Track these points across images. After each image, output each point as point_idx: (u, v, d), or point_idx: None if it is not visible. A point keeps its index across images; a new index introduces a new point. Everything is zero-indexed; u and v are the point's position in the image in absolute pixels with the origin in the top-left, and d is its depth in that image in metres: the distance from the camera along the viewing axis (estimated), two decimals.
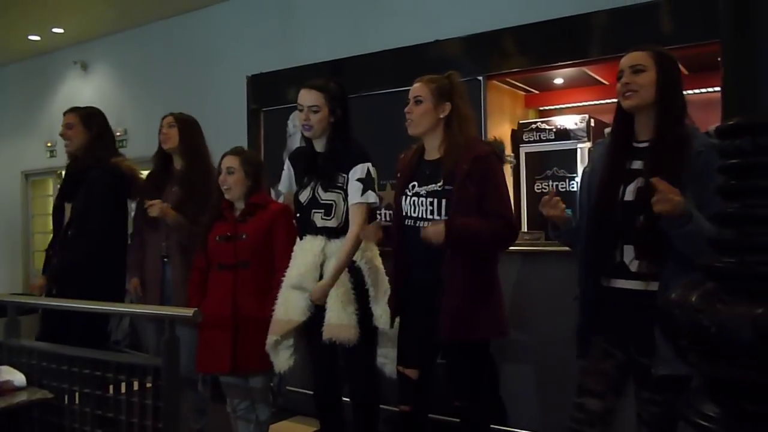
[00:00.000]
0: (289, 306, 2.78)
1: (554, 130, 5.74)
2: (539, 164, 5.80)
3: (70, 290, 3.25)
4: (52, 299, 3.24)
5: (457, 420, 2.73)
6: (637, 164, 2.19)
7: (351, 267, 2.74)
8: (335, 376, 2.89)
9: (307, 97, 2.79)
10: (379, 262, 2.83)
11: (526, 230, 5.14)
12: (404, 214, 2.69)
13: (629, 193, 2.17)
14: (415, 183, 2.69)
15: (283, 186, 3.03)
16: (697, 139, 2.12)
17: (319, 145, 2.86)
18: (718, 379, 1.13)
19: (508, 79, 5.63)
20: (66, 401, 2.67)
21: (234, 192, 3.02)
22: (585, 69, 5.28)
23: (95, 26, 8.14)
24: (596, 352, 2.27)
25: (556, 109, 6.28)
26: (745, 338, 1.01)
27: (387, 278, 2.81)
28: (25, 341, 2.92)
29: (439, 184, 2.63)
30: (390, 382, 2.79)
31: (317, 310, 2.74)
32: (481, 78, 5.06)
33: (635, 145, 2.23)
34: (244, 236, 2.97)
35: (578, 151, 5.62)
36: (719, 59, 1.43)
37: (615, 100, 2.31)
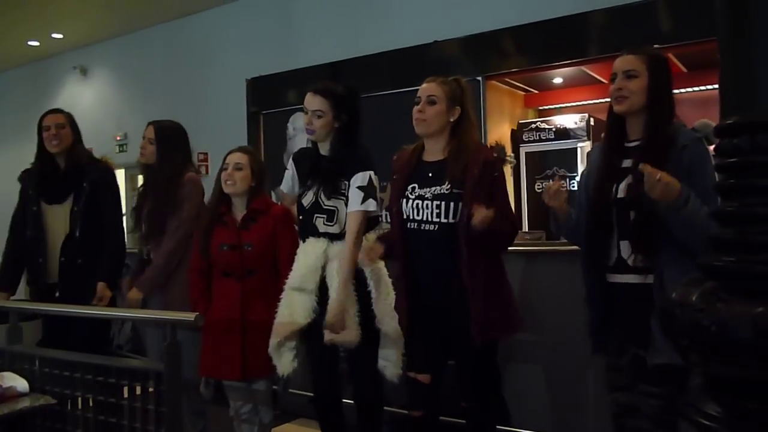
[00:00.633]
0: (293, 308, 2.77)
1: (554, 129, 5.75)
2: (539, 164, 5.80)
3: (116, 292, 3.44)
4: (53, 305, 3.23)
5: (463, 421, 2.73)
6: (627, 163, 2.28)
7: None
8: (336, 379, 2.89)
9: (312, 101, 2.79)
10: (381, 264, 2.82)
11: (526, 230, 5.15)
12: (406, 217, 2.68)
13: (622, 191, 2.26)
14: (415, 185, 2.67)
15: (285, 186, 3.01)
16: (683, 135, 2.22)
17: (324, 149, 2.85)
18: (719, 378, 1.13)
19: (507, 79, 5.64)
20: (69, 407, 2.67)
21: (238, 187, 2.99)
22: (584, 68, 5.29)
23: (94, 31, 8.16)
24: (614, 347, 2.35)
25: (555, 108, 6.28)
26: (746, 337, 1.01)
27: (390, 280, 2.80)
28: (27, 347, 2.92)
29: (445, 186, 2.61)
30: (393, 384, 2.78)
31: (320, 313, 2.73)
32: (480, 78, 5.07)
33: (627, 145, 2.32)
34: (248, 247, 2.95)
35: (578, 150, 5.63)
36: (717, 57, 1.43)
37: None
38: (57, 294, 3.40)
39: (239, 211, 3.05)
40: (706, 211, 1.98)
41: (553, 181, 2.63)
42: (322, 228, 2.77)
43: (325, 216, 2.77)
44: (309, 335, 2.79)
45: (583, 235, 2.41)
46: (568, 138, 5.67)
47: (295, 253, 2.85)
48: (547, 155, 5.75)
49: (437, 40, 5.30)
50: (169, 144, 3.34)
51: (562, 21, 4.74)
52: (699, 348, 1.12)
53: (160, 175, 3.29)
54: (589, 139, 5.59)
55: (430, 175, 2.66)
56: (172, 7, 7.37)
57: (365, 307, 2.73)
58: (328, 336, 2.68)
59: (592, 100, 5.90)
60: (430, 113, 2.64)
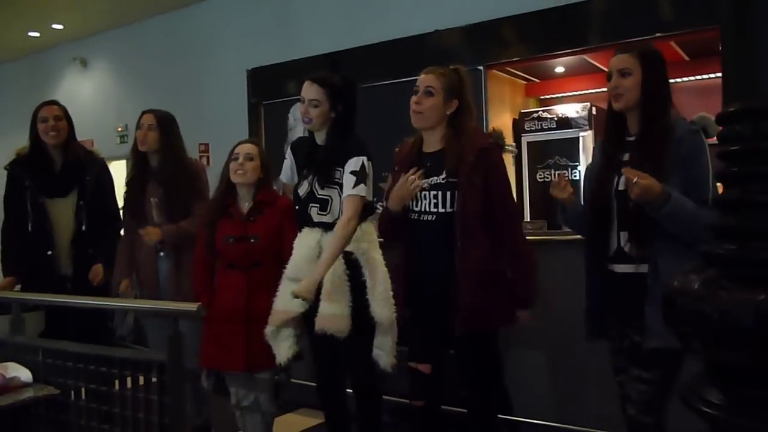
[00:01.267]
0: (288, 297, 2.77)
1: (555, 118, 5.73)
2: (541, 153, 5.79)
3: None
4: (56, 295, 3.24)
5: (465, 410, 2.74)
6: (626, 156, 2.36)
7: (348, 258, 2.73)
8: (337, 368, 2.89)
9: (308, 90, 2.78)
10: (377, 253, 2.80)
11: (528, 219, 5.14)
12: (407, 207, 2.69)
13: (622, 183, 2.32)
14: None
15: (284, 176, 3.02)
16: (680, 127, 2.29)
17: (320, 138, 2.85)
18: (721, 365, 1.13)
19: (508, 69, 5.62)
20: (72, 397, 2.67)
21: (249, 177, 2.98)
22: (585, 56, 5.26)
23: (94, 22, 8.14)
24: (614, 333, 2.41)
25: (557, 97, 6.26)
26: (748, 324, 1.02)
27: (386, 270, 2.79)
28: (29, 338, 2.93)
29: (442, 176, 2.62)
30: (392, 373, 2.78)
31: (317, 302, 2.72)
32: (481, 68, 5.05)
33: (627, 139, 2.40)
34: (254, 240, 2.95)
35: (580, 139, 5.61)
36: (719, 45, 1.43)
37: None
38: (69, 286, 3.45)
39: (245, 202, 3.04)
40: (693, 206, 2.13)
41: (557, 174, 2.70)
42: (316, 218, 2.77)
43: (318, 205, 2.77)
44: (309, 325, 2.79)
45: (586, 226, 2.48)
46: (570, 127, 5.64)
47: None
48: (549, 144, 5.73)
49: (438, 29, 5.29)
50: (172, 131, 3.41)
51: (564, 9, 4.72)
52: (701, 336, 1.12)
53: (171, 160, 3.35)
54: (591, 129, 5.57)
55: (429, 165, 2.67)
56: None
57: (360, 296, 2.72)
58: (318, 325, 2.68)
59: (593, 89, 5.86)
60: (426, 105, 2.64)
